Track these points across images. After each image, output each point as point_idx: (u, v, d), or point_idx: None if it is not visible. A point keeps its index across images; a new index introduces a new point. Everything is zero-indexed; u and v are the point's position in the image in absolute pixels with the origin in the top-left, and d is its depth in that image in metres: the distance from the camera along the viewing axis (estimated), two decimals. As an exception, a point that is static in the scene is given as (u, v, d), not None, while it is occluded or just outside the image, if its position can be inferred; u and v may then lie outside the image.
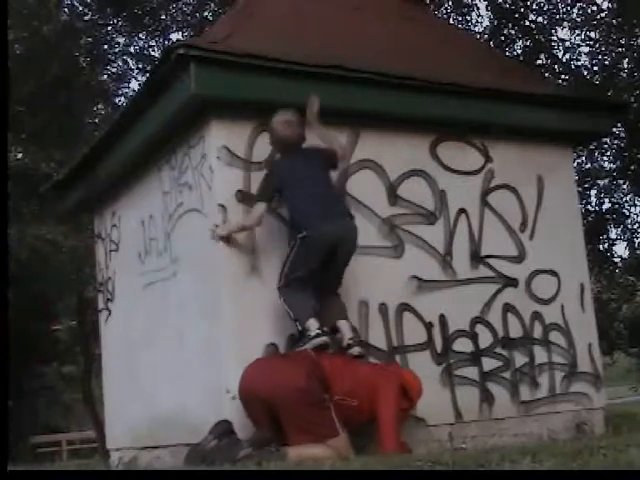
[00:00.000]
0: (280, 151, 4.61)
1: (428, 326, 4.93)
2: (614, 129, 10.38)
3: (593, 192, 12.50)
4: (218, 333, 4.46)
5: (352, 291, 4.70)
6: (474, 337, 5.08)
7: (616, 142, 11.92)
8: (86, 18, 12.55)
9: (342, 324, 4.46)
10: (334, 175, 4.70)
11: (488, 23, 12.54)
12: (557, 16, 11.97)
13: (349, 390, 4.18)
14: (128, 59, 13.31)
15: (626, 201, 12.78)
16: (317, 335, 4.26)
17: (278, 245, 4.57)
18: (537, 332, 5.32)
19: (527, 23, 11.96)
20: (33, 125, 11.53)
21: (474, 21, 12.50)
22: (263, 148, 4.66)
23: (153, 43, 13.30)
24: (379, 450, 4.08)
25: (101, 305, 6.28)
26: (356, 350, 4.43)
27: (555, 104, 5.57)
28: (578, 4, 11.79)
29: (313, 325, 4.27)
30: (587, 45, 11.87)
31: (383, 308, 4.80)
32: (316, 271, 4.36)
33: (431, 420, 4.74)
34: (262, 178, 4.55)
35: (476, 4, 12.38)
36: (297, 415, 4.00)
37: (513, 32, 12.02)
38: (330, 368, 4.20)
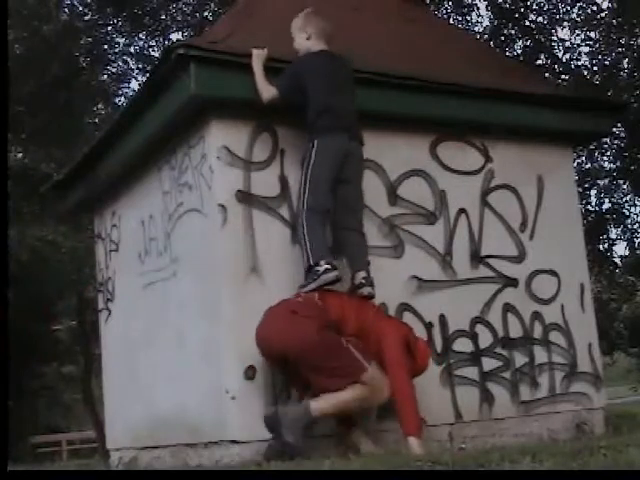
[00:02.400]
0: (315, 46, 4.63)
1: (428, 326, 4.93)
2: (614, 129, 10.38)
3: (593, 192, 12.54)
4: (218, 333, 4.46)
5: (352, 291, 4.70)
6: (474, 337, 5.08)
7: (616, 142, 11.94)
8: (86, 18, 12.56)
9: (358, 275, 4.43)
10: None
11: (488, 23, 12.57)
12: (557, 16, 11.99)
13: (356, 332, 4.16)
14: (128, 59, 13.33)
15: (626, 201, 12.81)
16: (326, 270, 4.22)
17: (278, 245, 4.58)
18: (537, 332, 5.32)
19: (527, 23, 11.98)
20: (33, 125, 11.54)
21: (474, 21, 12.54)
22: (263, 148, 4.66)
23: (153, 43, 13.33)
24: (392, 398, 4.12)
25: (101, 305, 6.27)
26: (366, 290, 4.39)
27: (555, 104, 5.57)
28: (578, 4, 11.81)
29: (323, 261, 4.23)
30: (587, 45, 11.89)
31: (383, 308, 4.79)
32: (334, 195, 4.37)
33: (431, 420, 4.74)
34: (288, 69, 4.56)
35: (476, 4, 12.41)
36: (318, 367, 3.99)
37: (513, 32, 12.03)
38: (338, 309, 4.17)
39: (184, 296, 4.88)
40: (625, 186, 12.64)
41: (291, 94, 4.50)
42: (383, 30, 5.65)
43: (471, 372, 5.02)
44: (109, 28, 12.98)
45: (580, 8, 11.80)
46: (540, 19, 12.09)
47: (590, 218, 11.95)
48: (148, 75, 5.26)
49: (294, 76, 4.51)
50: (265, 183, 4.63)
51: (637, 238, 12.90)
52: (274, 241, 4.57)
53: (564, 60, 11.91)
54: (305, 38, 4.65)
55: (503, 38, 12.03)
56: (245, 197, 4.56)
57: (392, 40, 5.54)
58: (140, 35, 13.14)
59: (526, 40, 11.94)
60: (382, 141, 5.01)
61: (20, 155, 12.01)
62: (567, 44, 12.05)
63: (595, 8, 11.60)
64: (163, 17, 12.95)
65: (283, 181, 4.67)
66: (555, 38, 12.10)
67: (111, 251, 6.04)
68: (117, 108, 12.30)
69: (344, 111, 4.51)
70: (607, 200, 12.62)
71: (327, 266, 4.22)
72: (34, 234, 10.84)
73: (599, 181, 12.50)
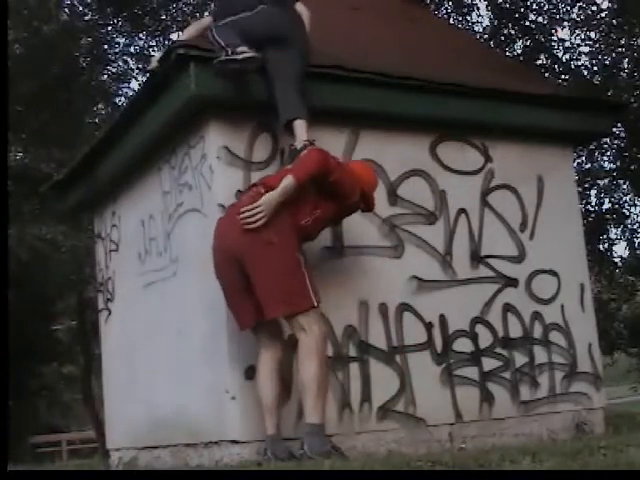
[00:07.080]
0: None
1: (428, 326, 4.93)
2: (614, 129, 10.38)
3: (593, 192, 12.54)
4: (218, 333, 4.46)
5: (352, 291, 4.70)
6: (474, 337, 5.08)
7: (616, 142, 11.94)
8: (86, 18, 12.58)
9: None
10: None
11: (488, 23, 12.58)
12: (557, 16, 11.99)
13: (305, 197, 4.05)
14: (128, 59, 13.36)
15: (626, 201, 12.82)
16: (243, 52, 4.26)
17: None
18: (537, 332, 5.32)
19: (527, 23, 11.98)
20: (33, 125, 11.54)
21: (474, 21, 12.55)
22: (263, 148, 4.66)
23: (153, 43, 13.35)
24: None
25: (101, 305, 6.27)
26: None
27: (555, 104, 5.57)
28: (578, 4, 11.82)
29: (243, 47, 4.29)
30: (587, 45, 11.90)
31: (383, 308, 4.80)
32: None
33: (431, 420, 4.74)
34: None
35: (476, 4, 12.42)
36: (269, 275, 3.87)
37: (513, 32, 12.04)
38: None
39: (184, 296, 4.88)
40: (625, 186, 12.65)
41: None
42: (383, 30, 5.66)
43: (471, 372, 5.02)
44: (109, 28, 13.01)
45: (580, 8, 11.81)
46: (540, 19, 12.11)
47: (590, 218, 11.95)
48: (148, 75, 5.26)
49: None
50: (265, 183, 4.62)
51: (637, 238, 12.91)
52: (274, 241, 4.56)
53: (564, 60, 11.92)
54: None
55: (503, 38, 12.04)
56: (245, 197, 4.55)
57: (392, 40, 5.55)
58: (140, 35, 13.18)
59: (526, 40, 11.95)
60: (382, 141, 5.01)
61: (20, 155, 12.01)
62: (567, 44, 12.08)
63: (595, 8, 11.61)
64: (163, 17, 12.98)
65: (283, 181, 4.66)
66: (555, 38, 12.12)
67: (111, 251, 6.04)
68: (117, 108, 12.31)
69: None
70: (607, 200, 12.64)
71: (244, 48, 4.27)
72: (34, 233, 10.84)
73: (599, 181, 12.50)
